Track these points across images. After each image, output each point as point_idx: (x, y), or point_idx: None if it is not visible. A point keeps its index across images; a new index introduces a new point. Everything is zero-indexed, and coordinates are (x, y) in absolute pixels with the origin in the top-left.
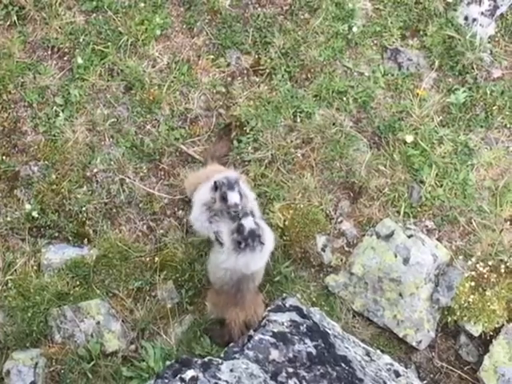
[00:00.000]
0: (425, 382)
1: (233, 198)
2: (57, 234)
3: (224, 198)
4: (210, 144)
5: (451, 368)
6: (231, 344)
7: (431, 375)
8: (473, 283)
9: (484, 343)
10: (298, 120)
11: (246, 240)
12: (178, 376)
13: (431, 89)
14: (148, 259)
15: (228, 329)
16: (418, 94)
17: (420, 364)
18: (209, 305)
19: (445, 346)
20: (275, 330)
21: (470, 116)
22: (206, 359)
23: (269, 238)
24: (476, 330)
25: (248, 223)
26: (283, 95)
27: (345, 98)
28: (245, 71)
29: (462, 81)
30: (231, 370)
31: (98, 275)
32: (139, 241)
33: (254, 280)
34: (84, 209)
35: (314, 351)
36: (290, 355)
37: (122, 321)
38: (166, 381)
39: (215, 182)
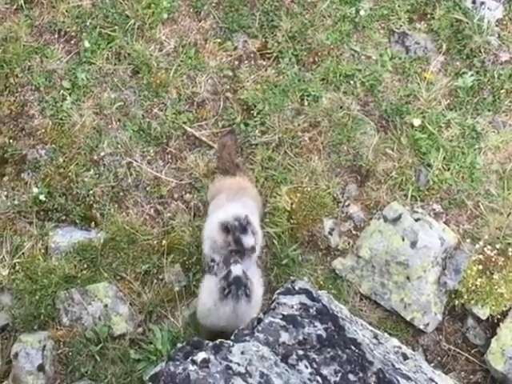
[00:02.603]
0: (432, 364)
1: (248, 241)
2: (64, 218)
3: (239, 242)
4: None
5: (458, 351)
6: (241, 327)
7: (438, 358)
8: (480, 266)
9: (491, 326)
10: (306, 103)
11: (229, 286)
12: (190, 358)
13: (439, 72)
14: (155, 242)
15: None
16: (425, 78)
17: (427, 347)
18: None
19: (452, 329)
20: (285, 313)
21: (478, 99)
22: (217, 341)
23: (258, 290)
24: (483, 313)
25: (236, 270)
26: (290, 79)
27: (352, 82)
28: (252, 55)
29: (470, 64)
30: (242, 353)
31: (105, 258)
32: (146, 224)
33: None
34: (91, 192)
35: (323, 334)
36: (300, 338)
37: (130, 304)
38: (178, 363)
39: (226, 227)
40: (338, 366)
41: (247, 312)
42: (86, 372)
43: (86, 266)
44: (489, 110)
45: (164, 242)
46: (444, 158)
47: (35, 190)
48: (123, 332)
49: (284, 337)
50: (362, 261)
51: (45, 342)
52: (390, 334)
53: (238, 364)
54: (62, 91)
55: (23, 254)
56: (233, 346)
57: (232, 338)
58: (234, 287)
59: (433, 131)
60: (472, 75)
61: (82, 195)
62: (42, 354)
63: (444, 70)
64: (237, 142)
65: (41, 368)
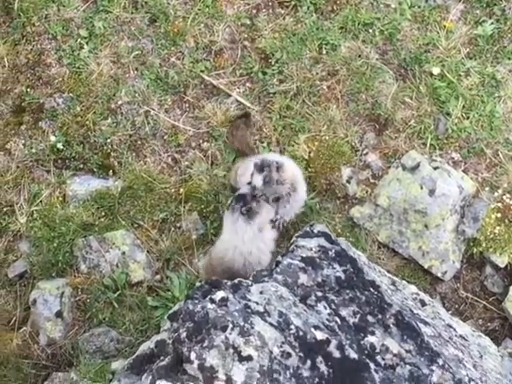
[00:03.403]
0: (450, 312)
1: (256, 180)
2: (82, 166)
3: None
4: (230, 137)
5: (476, 299)
6: (259, 268)
7: (456, 306)
8: (499, 214)
9: (509, 274)
10: (324, 52)
11: (232, 200)
12: (208, 297)
13: (458, 21)
14: (173, 190)
15: None
16: (444, 26)
17: (445, 295)
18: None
19: (470, 277)
20: (303, 255)
21: (498, 48)
22: (235, 281)
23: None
24: (502, 261)
25: (244, 189)
26: (308, 27)
27: (371, 30)
28: (270, 3)
29: (490, 12)
30: (261, 292)
31: (123, 206)
32: (164, 172)
33: None
34: (109, 141)
35: (342, 276)
36: (319, 279)
37: (147, 251)
38: (196, 301)
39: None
40: (356, 307)
41: (248, 234)
42: (104, 319)
43: (103, 213)
44: (509, 59)
45: (181, 190)
46: (463, 106)
47: (53, 138)
48: (141, 279)
49: (303, 278)
50: (380, 209)
51: (63, 288)
52: (407, 282)
53: (257, 303)
54: (79, 40)
55: (41, 201)
56: (251, 285)
57: (250, 278)
58: (234, 200)
59: (452, 80)
60: (492, 23)
61: (100, 144)
62: (60, 301)
63: (464, 18)
64: (250, 126)
65: (59, 314)
